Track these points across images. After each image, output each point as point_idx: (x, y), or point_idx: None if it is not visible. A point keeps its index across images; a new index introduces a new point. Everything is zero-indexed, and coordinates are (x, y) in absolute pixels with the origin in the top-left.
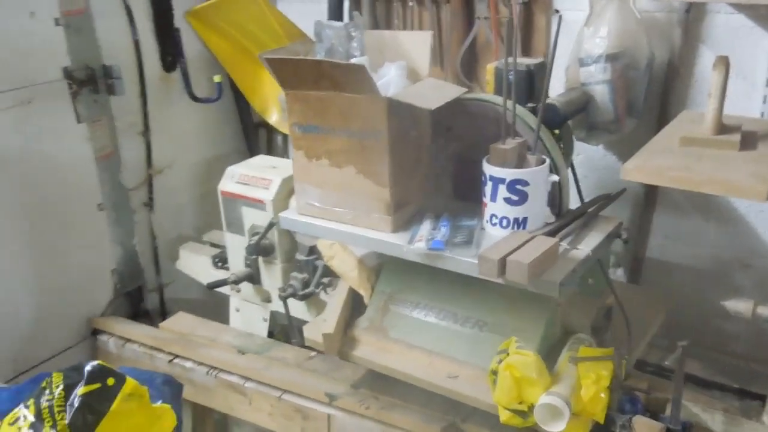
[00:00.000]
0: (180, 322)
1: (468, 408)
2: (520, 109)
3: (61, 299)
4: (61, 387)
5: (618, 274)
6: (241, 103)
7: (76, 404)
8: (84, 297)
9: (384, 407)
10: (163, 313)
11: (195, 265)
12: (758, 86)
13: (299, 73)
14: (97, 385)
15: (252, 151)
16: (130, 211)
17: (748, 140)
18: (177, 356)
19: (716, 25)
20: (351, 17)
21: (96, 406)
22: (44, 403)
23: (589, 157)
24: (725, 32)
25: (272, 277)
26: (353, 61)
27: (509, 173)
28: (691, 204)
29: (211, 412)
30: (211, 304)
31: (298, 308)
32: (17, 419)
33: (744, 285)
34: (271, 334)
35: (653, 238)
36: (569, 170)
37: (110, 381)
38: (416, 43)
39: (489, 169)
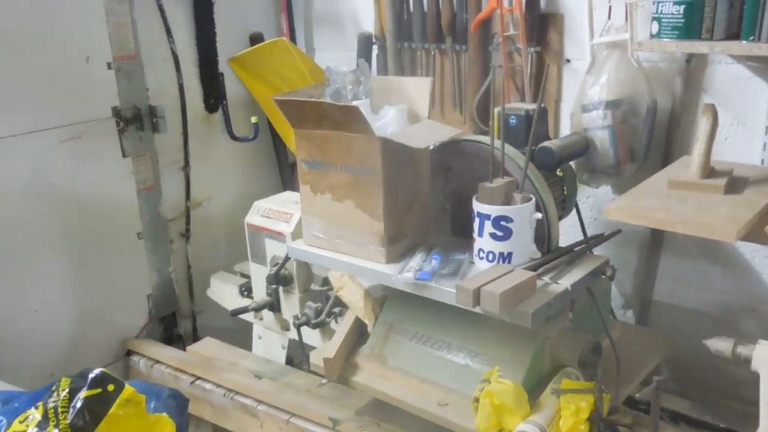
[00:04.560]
0: (206, 346)
1: None
2: (511, 150)
3: (99, 320)
4: (67, 390)
5: (627, 316)
6: (278, 144)
7: (78, 406)
8: (120, 320)
9: None
10: (195, 339)
11: (223, 293)
12: (758, 134)
13: (304, 113)
14: (98, 390)
15: (286, 189)
16: (168, 241)
17: (735, 185)
18: (199, 378)
19: (716, 75)
20: (357, 64)
21: (95, 408)
22: (50, 404)
23: (599, 200)
24: (725, 81)
25: (291, 306)
26: (355, 103)
27: (494, 210)
28: (697, 248)
29: None
30: (239, 332)
31: (312, 336)
32: (27, 418)
33: (750, 330)
34: (291, 361)
35: (662, 282)
36: (574, 210)
37: (110, 387)
38: (418, 88)
39: (477, 206)
